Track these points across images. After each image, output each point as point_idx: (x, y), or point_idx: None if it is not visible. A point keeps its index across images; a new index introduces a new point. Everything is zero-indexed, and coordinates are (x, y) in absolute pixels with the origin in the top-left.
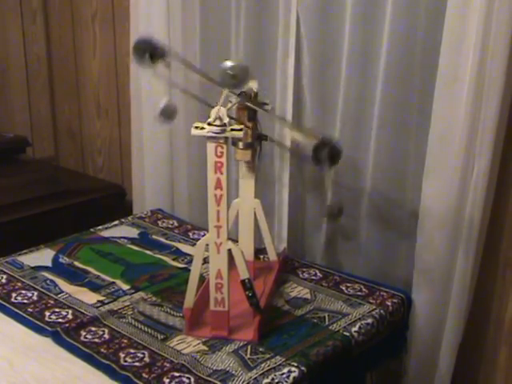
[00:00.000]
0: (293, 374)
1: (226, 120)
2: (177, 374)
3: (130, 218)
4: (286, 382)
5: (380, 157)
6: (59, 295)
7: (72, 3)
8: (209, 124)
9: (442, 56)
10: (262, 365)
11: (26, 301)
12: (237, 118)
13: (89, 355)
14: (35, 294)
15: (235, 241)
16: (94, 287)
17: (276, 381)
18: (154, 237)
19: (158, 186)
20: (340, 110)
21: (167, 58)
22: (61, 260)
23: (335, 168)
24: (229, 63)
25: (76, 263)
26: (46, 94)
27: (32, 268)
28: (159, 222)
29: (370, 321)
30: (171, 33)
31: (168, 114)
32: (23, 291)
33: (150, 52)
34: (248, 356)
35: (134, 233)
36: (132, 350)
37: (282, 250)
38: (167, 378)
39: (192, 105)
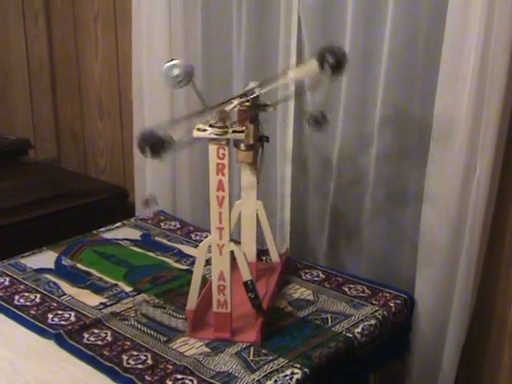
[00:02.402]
0: (296, 376)
1: (228, 122)
2: (180, 377)
3: (132, 219)
4: (289, 383)
5: (382, 158)
6: (62, 297)
7: (74, 5)
8: (210, 126)
9: (444, 56)
10: (265, 367)
11: (28, 303)
12: (238, 119)
13: (91, 357)
14: (38, 296)
15: (237, 242)
16: (97, 289)
17: (279, 383)
18: (157, 238)
19: (160, 187)
20: (342, 111)
21: (171, 149)
22: (63, 262)
23: (338, 166)
24: (169, 63)
25: (78, 265)
26: (48, 95)
27: (34, 270)
28: (161, 224)
29: (372, 322)
30: (173, 34)
31: (152, 203)
32: (26, 293)
33: (151, 148)
34: (251, 358)
35: (136, 234)
36: (135, 352)
37: (284, 252)
38: (170, 380)
39: (193, 106)
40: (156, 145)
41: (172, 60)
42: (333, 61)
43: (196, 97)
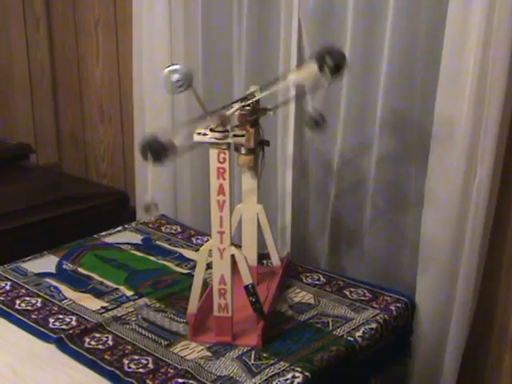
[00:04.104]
0: (297, 380)
1: (228, 126)
2: (181, 381)
3: (133, 223)
4: None
5: (382, 162)
6: (63, 302)
7: (75, 10)
8: (211, 130)
9: (444, 61)
10: (266, 370)
11: (29, 307)
12: (239, 123)
13: (93, 362)
14: (39, 300)
15: (238, 246)
16: (98, 293)
17: None
18: (158, 242)
19: (161, 191)
20: (342, 116)
21: (173, 155)
22: (64, 266)
23: (339, 170)
24: (169, 69)
25: (80, 269)
26: (50, 100)
27: (36, 275)
28: (162, 228)
29: (373, 325)
30: (173, 39)
31: (153, 209)
32: (27, 298)
33: (153, 154)
34: (252, 362)
35: (137, 239)
36: (136, 357)
37: (285, 255)
38: None
39: (194, 111)
40: (158, 151)
41: (172, 65)
42: (332, 63)
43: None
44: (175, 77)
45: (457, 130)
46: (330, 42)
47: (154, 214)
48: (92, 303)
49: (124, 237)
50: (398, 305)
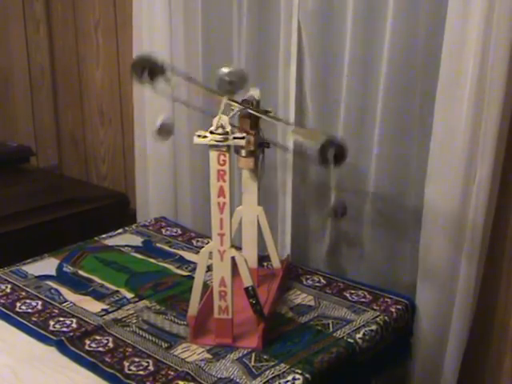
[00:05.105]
0: (297, 382)
1: (228, 128)
2: (181, 383)
3: (133, 226)
4: None
5: (382, 163)
6: (63, 304)
7: (75, 13)
8: (211, 132)
9: (443, 64)
10: (267, 372)
11: (30, 310)
12: (239, 125)
13: (93, 364)
14: (39, 303)
15: (239, 248)
16: (98, 296)
17: None
18: (158, 245)
19: (161, 193)
20: (342, 117)
21: (167, 74)
22: (65, 269)
23: (339, 172)
24: (225, 69)
25: (80, 272)
26: (50, 103)
27: (36, 277)
28: (163, 230)
29: (374, 327)
30: (173, 41)
31: (165, 131)
32: (27, 300)
33: (149, 69)
34: (252, 364)
35: (137, 241)
36: (136, 359)
37: (285, 257)
38: None
39: (195, 113)
40: (155, 66)
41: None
42: (333, 157)
43: (196, 102)
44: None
45: (457, 130)
46: (330, 43)
47: (167, 138)
48: (92, 306)
49: (124, 239)
50: (398, 306)
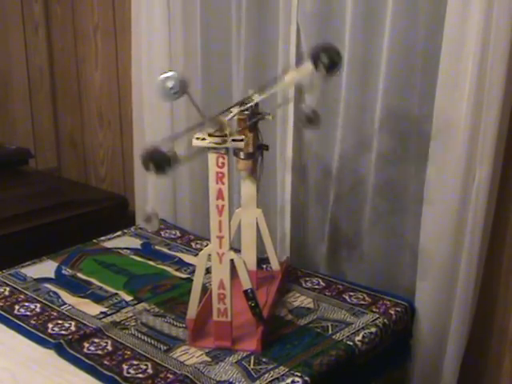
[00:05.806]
0: None
1: (227, 130)
2: None
3: (132, 228)
4: None
5: (382, 164)
6: (62, 307)
7: (74, 15)
8: (210, 135)
9: (442, 64)
10: (266, 375)
11: (28, 313)
12: (238, 128)
13: (92, 367)
14: (38, 306)
15: (238, 251)
16: (97, 298)
17: None
18: (157, 247)
19: (160, 196)
20: (341, 118)
21: (175, 165)
22: (63, 271)
23: (338, 174)
24: (163, 76)
25: (79, 275)
26: (49, 105)
27: (35, 280)
28: (162, 233)
29: (373, 330)
30: (172, 44)
31: (151, 220)
32: (26, 303)
33: (155, 163)
34: (251, 366)
35: (136, 243)
36: (135, 362)
37: (284, 260)
38: None
39: (194, 115)
40: (161, 161)
41: (167, 72)
42: (327, 61)
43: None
44: (170, 83)
45: (456, 130)
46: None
47: (154, 226)
48: (91, 308)
49: (123, 242)
50: (398, 309)
